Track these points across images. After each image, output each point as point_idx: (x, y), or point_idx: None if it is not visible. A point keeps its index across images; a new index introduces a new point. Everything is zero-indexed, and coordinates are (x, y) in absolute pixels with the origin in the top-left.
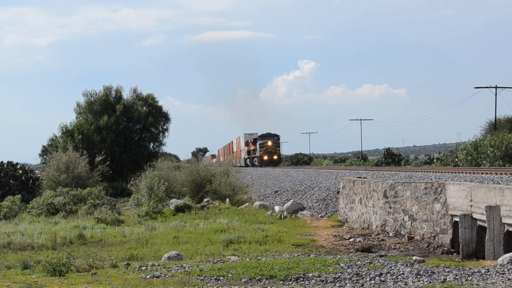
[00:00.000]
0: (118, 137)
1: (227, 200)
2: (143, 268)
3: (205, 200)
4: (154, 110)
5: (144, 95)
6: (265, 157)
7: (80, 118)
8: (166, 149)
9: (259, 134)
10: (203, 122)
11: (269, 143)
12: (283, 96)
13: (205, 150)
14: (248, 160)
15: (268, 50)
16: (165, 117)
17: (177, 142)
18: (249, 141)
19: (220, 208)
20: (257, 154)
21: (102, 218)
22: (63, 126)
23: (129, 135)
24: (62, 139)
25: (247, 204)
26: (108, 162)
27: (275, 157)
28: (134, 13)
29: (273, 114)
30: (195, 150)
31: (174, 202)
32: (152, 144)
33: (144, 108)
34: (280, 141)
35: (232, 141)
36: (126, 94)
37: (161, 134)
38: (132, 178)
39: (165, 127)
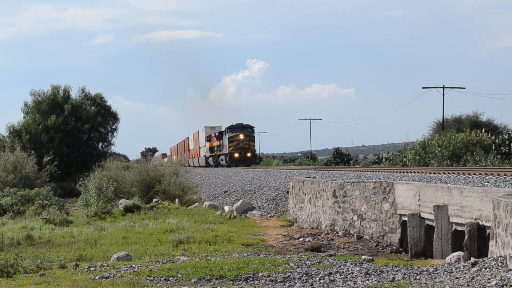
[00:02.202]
0: (66, 137)
1: (177, 200)
2: (92, 268)
3: (154, 200)
4: (102, 109)
5: (92, 94)
6: (236, 155)
7: (28, 117)
8: (115, 149)
9: (227, 126)
10: (152, 122)
11: (241, 136)
12: (232, 96)
13: (154, 150)
14: (211, 158)
15: (218, 49)
16: (114, 117)
17: (126, 142)
18: (212, 135)
19: (170, 208)
20: (225, 150)
21: (50, 218)
22: (10, 126)
23: (78, 135)
24: (9, 139)
25: (196, 204)
26: (56, 162)
27: (249, 154)
28: (82, 12)
29: (223, 113)
30: (144, 150)
31: (123, 202)
32: (100, 144)
33: (93, 108)
34: (255, 133)
35: (188, 137)
36: (75, 94)
37: (109, 134)
38: (81, 178)
39: (114, 127)
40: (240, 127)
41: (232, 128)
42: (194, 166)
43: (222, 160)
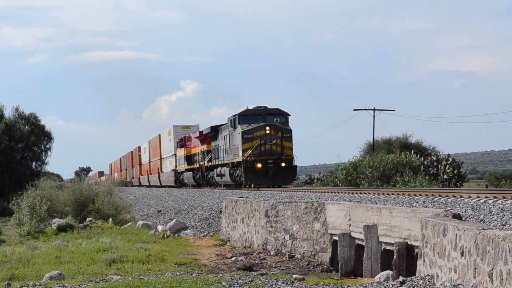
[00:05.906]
0: None
1: (110, 219)
2: None
3: (88, 219)
4: (36, 129)
5: (26, 114)
6: (259, 165)
7: None
8: (48, 168)
9: (238, 112)
10: (86, 141)
11: (267, 130)
12: (166, 117)
13: (88, 169)
14: (189, 174)
15: (153, 70)
16: (48, 136)
17: (60, 162)
18: (193, 137)
19: (103, 228)
20: (230, 157)
21: None
22: None
23: (11, 154)
24: None
25: (130, 223)
26: None
27: (283, 163)
28: (16, 31)
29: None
30: (78, 169)
31: (56, 221)
32: (34, 163)
33: (27, 127)
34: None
35: (138, 147)
36: (8, 113)
37: (43, 153)
38: (14, 198)
39: (47, 146)
40: (263, 113)
41: (247, 116)
42: (150, 186)
43: (223, 174)
